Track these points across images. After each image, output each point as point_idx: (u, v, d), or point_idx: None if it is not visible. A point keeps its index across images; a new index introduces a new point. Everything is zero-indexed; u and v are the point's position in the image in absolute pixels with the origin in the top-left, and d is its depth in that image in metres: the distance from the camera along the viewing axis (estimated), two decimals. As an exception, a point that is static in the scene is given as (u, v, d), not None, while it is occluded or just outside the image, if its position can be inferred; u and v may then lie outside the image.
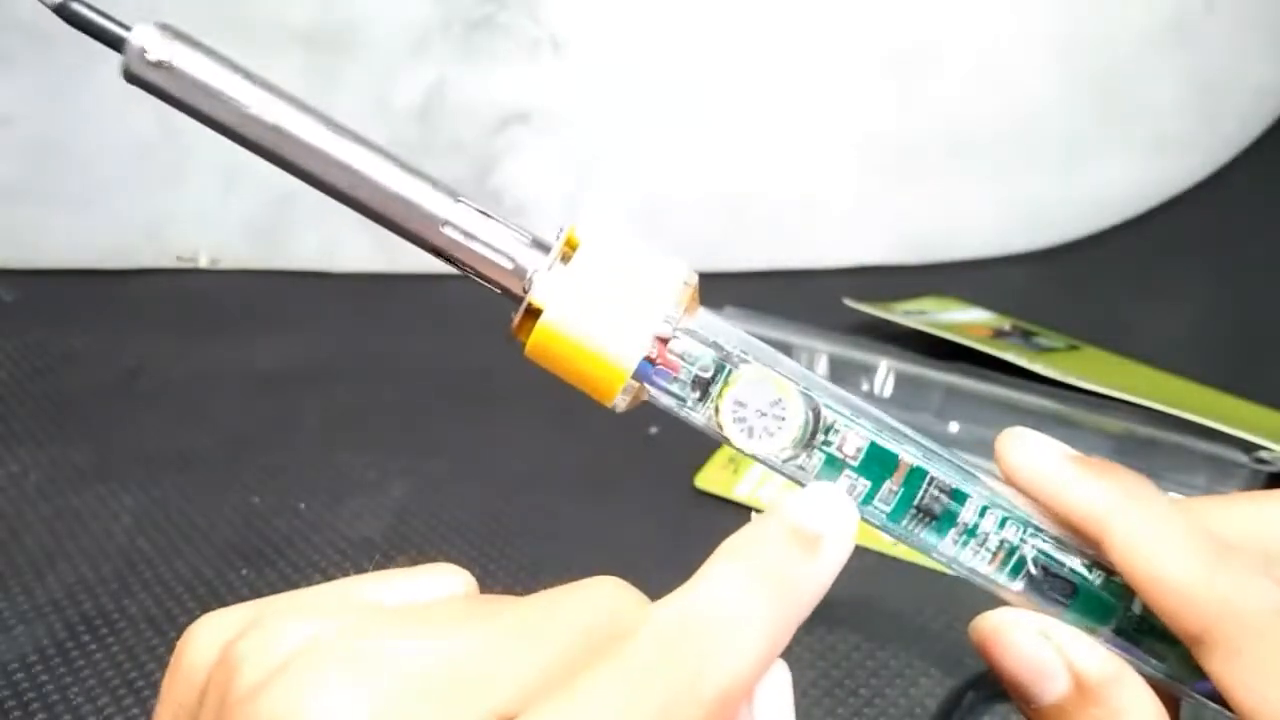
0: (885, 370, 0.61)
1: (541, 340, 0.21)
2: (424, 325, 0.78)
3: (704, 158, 0.89)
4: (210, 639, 0.19)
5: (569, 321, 0.21)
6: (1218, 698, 0.20)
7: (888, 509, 0.22)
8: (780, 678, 0.19)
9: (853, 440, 0.22)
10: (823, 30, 0.87)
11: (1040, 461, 0.22)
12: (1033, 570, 0.22)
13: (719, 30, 0.86)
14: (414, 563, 0.21)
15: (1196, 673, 0.21)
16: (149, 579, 0.47)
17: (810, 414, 0.22)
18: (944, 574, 0.24)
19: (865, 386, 0.61)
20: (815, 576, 0.19)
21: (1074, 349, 0.69)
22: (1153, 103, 0.91)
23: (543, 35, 0.85)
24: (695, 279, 0.22)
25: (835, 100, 0.88)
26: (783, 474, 0.22)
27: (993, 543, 0.22)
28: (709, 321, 0.22)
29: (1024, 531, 0.22)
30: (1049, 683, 0.21)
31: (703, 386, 0.22)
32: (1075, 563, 0.22)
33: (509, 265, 0.21)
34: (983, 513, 0.22)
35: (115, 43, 0.20)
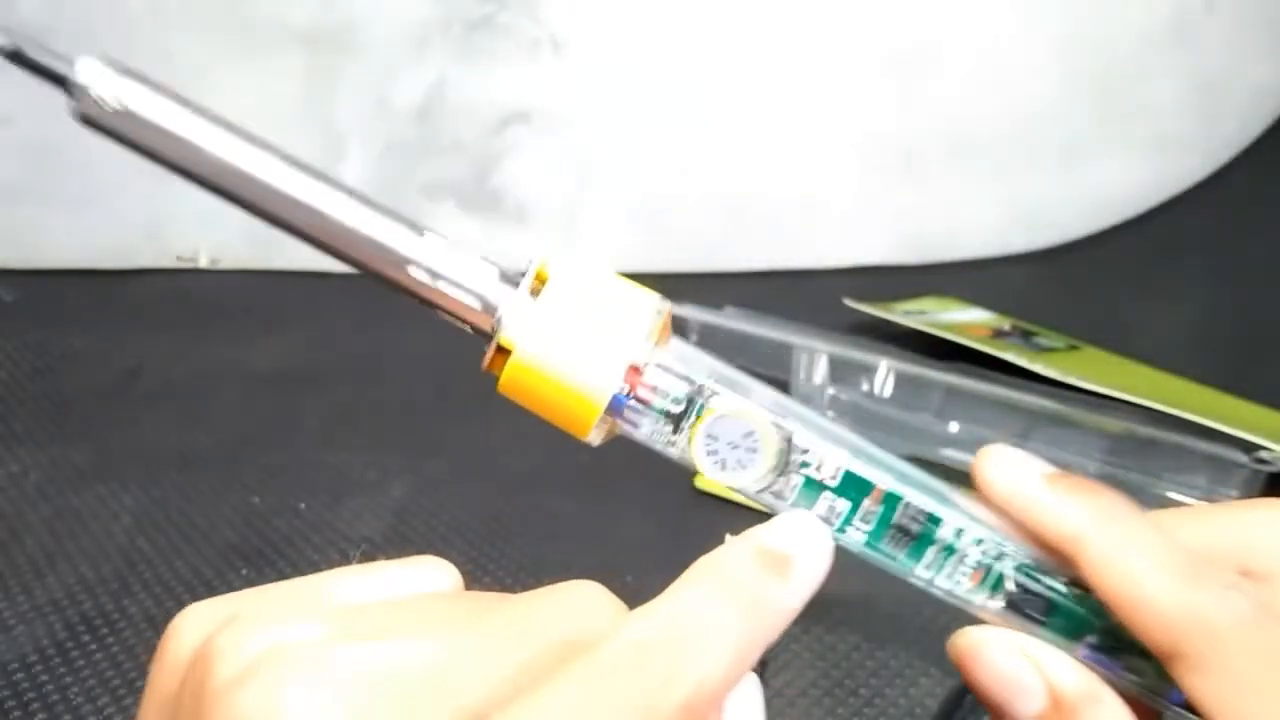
0: (885, 370, 0.61)
1: (513, 378, 0.21)
2: (424, 325, 0.77)
3: (704, 158, 0.89)
4: (193, 631, 0.19)
5: (538, 360, 0.21)
6: (1195, 710, 0.20)
7: (868, 528, 0.22)
8: (751, 693, 0.19)
9: (830, 463, 0.22)
10: (823, 30, 0.87)
11: (1016, 480, 0.22)
12: (1010, 588, 0.22)
13: (719, 30, 0.86)
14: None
15: (1173, 686, 0.21)
16: (149, 579, 0.47)
17: (783, 443, 0.22)
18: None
19: (865, 386, 0.61)
20: (785, 598, 0.19)
21: (1074, 349, 0.69)
22: (1153, 103, 0.91)
23: (543, 35, 0.85)
24: (667, 308, 0.22)
25: (835, 100, 0.88)
26: (759, 502, 0.22)
27: (970, 561, 0.22)
28: (681, 351, 0.22)
29: (1001, 550, 0.22)
30: (1026, 700, 0.21)
31: (675, 420, 0.22)
32: (1052, 580, 0.22)
33: (477, 305, 0.21)
34: (959, 533, 0.22)
35: (61, 81, 0.20)
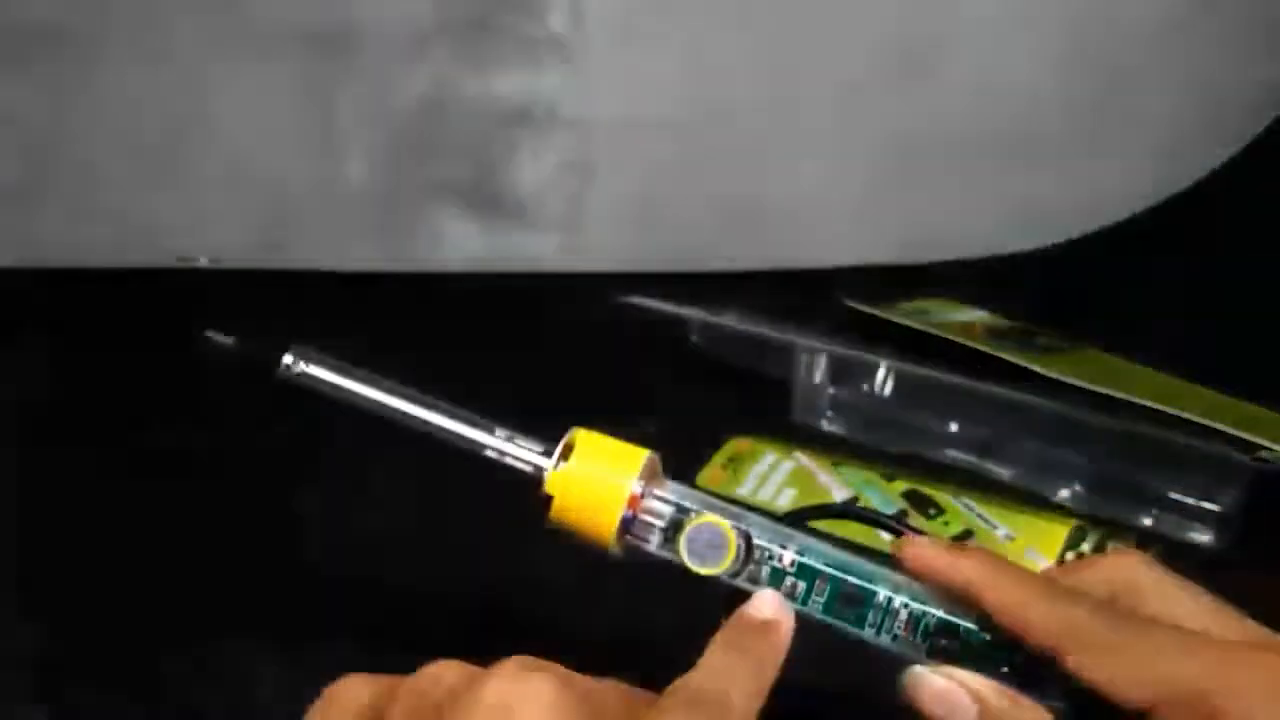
0: (885, 370, 0.61)
1: (555, 517, 0.32)
2: (424, 325, 0.78)
3: (704, 158, 0.89)
4: (355, 693, 0.26)
5: (570, 505, 0.31)
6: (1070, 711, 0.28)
7: (823, 599, 0.30)
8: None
9: (786, 557, 0.31)
10: (823, 30, 0.87)
11: (928, 554, 0.30)
12: (934, 633, 0.30)
13: (719, 30, 0.86)
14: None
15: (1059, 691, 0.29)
16: (149, 579, 0.47)
17: (742, 540, 0.31)
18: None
19: (865, 386, 0.61)
20: (774, 647, 0.28)
21: (1074, 349, 0.69)
22: (1153, 102, 0.91)
23: (543, 35, 0.85)
24: (656, 457, 0.32)
25: (836, 100, 0.88)
26: (733, 586, 0.31)
27: (903, 617, 0.30)
28: (672, 486, 0.32)
29: (924, 606, 0.30)
30: (962, 714, 0.28)
31: (666, 533, 0.31)
32: (966, 624, 0.30)
33: (530, 469, 0.32)
34: (889, 600, 0.30)
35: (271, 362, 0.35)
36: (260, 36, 0.83)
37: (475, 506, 0.44)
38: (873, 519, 0.43)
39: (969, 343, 0.67)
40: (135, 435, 0.59)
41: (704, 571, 0.31)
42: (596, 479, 0.31)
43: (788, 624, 0.29)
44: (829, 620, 0.30)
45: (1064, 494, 0.55)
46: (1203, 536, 0.52)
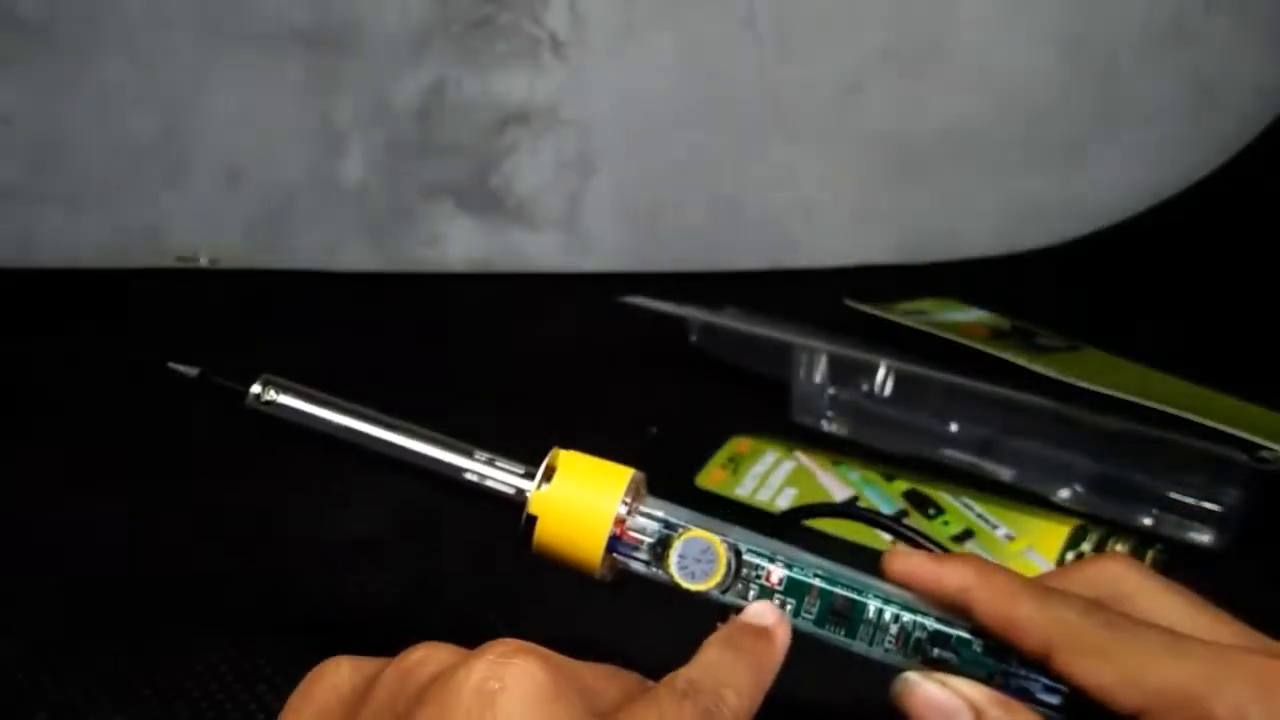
0: (885, 370, 0.61)
1: (539, 542, 0.30)
2: (423, 325, 0.78)
3: (704, 158, 0.89)
4: (342, 673, 0.26)
5: (553, 528, 0.30)
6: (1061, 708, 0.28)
7: (813, 616, 0.30)
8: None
9: (775, 575, 0.30)
10: (823, 30, 0.87)
11: (914, 565, 0.30)
12: (925, 642, 0.29)
13: (719, 30, 0.86)
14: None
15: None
16: (149, 579, 0.47)
17: (731, 554, 0.30)
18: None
19: (865, 386, 0.61)
20: (771, 653, 0.28)
21: (1074, 349, 0.69)
22: (1153, 102, 0.91)
23: (543, 35, 0.85)
24: (642, 475, 0.31)
25: (835, 100, 0.88)
26: (723, 604, 0.30)
27: (894, 629, 0.30)
28: (657, 503, 0.31)
29: (916, 616, 0.30)
30: (957, 718, 0.28)
31: (654, 551, 0.30)
32: (958, 633, 0.29)
33: (512, 492, 0.31)
34: (879, 611, 0.30)
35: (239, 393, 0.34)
36: (260, 36, 0.83)
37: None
38: (873, 519, 0.43)
39: (969, 343, 0.66)
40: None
41: (694, 588, 0.30)
42: (581, 500, 0.30)
43: (785, 632, 0.29)
44: (820, 633, 0.30)
45: (1064, 494, 0.55)
46: (1203, 536, 0.52)
